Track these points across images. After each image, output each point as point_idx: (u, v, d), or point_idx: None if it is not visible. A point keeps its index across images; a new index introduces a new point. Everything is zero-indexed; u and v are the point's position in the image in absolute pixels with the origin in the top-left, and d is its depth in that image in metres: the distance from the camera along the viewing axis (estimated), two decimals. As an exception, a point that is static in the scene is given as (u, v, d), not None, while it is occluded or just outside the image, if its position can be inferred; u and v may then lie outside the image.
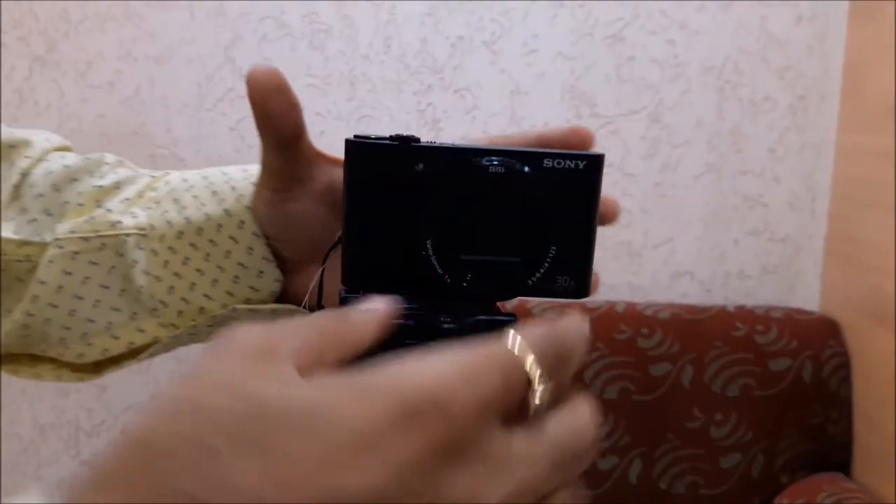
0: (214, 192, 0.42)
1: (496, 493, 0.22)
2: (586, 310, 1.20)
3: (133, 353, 0.45)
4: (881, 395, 1.11)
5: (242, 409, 0.21)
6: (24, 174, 0.43)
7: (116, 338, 0.43)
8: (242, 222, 0.41)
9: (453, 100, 1.27)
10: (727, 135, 1.28)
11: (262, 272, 0.41)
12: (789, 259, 1.31)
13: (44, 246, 0.42)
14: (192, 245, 0.41)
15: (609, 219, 0.37)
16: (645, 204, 1.29)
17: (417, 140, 0.34)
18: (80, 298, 0.42)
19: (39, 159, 0.44)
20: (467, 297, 0.35)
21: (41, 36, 1.26)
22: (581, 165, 0.35)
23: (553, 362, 0.25)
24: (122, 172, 0.45)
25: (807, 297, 1.31)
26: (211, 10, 1.25)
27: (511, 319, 0.34)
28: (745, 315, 1.20)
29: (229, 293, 0.42)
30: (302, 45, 1.26)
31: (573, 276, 0.37)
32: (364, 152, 0.34)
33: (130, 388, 1.33)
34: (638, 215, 1.29)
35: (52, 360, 0.46)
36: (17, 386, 1.34)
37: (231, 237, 0.41)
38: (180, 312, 0.43)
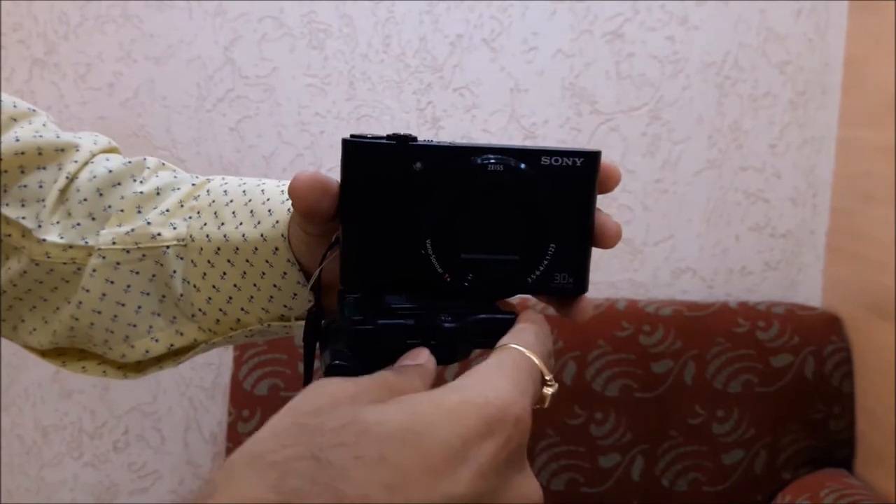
0: (252, 213, 0.43)
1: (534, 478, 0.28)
2: (580, 311, 1.20)
3: (173, 355, 0.47)
4: (883, 391, 1.10)
5: (358, 429, 0.24)
6: (71, 178, 0.44)
7: (157, 340, 0.46)
8: (277, 249, 0.41)
9: (453, 98, 1.27)
10: (727, 131, 1.28)
11: (295, 294, 0.42)
12: (791, 255, 1.30)
13: (87, 249, 0.44)
14: (229, 262, 0.43)
15: (611, 185, 0.37)
16: (646, 201, 1.29)
17: (414, 139, 0.34)
18: (122, 305, 0.44)
19: (86, 162, 0.46)
20: (467, 296, 0.35)
21: (40, 38, 1.26)
22: (578, 163, 0.35)
23: (549, 359, 0.31)
24: (164, 176, 0.46)
25: (809, 292, 1.30)
26: (210, 11, 1.25)
27: (511, 318, 0.34)
28: (746, 311, 1.20)
29: (265, 310, 0.43)
30: (301, 45, 1.26)
31: (571, 273, 0.36)
32: (361, 152, 0.34)
33: (132, 390, 1.33)
34: (639, 212, 1.29)
35: (99, 356, 0.48)
36: (20, 387, 1.35)
37: (266, 261, 0.42)
38: (218, 321, 0.45)
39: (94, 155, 0.46)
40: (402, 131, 0.34)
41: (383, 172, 0.34)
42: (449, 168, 0.34)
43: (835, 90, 1.26)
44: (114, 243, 0.44)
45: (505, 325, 0.34)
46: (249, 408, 1.16)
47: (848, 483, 1.08)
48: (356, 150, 0.34)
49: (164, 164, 0.48)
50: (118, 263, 0.44)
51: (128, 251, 0.44)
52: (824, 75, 1.26)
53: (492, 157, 0.34)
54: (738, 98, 1.27)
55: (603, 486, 1.16)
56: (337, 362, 0.33)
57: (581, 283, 0.37)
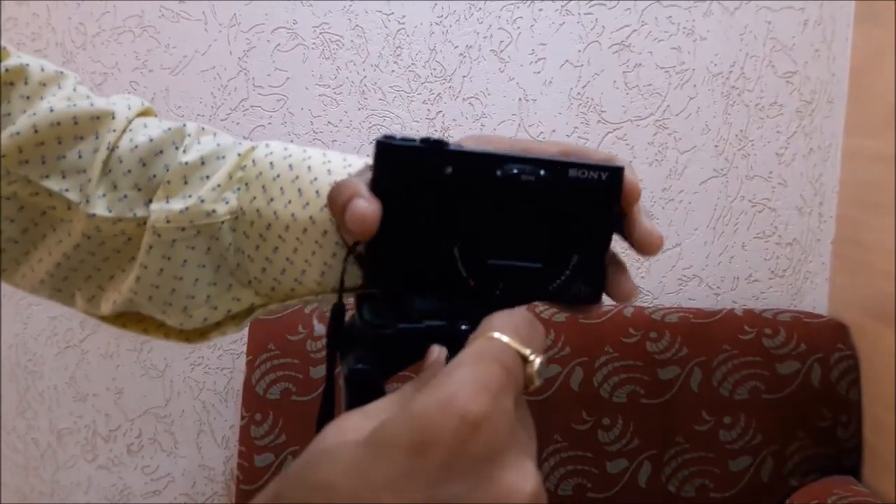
0: (300, 192, 0.42)
1: (530, 465, 0.25)
2: (595, 314, 1.21)
3: (233, 319, 0.47)
4: (890, 398, 1.11)
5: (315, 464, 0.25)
6: (112, 149, 0.44)
7: (216, 308, 0.46)
8: (326, 232, 0.41)
9: (462, 108, 1.29)
10: (734, 140, 1.29)
11: (345, 270, 0.41)
12: (797, 262, 1.31)
13: (136, 220, 0.44)
14: (280, 237, 0.43)
15: (631, 200, 0.37)
16: (653, 209, 1.30)
17: (447, 143, 0.34)
18: (180, 279, 0.44)
19: (124, 130, 0.45)
20: (490, 301, 0.34)
21: (58, 48, 1.29)
22: (604, 177, 0.35)
23: (528, 332, 0.28)
24: (206, 143, 0.45)
25: (815, 300, 1.31)
26: (224, 22, 1.27)
27: None
28: (753, 318, 1.21)
29: (317, 282, 0.43)
30: (314, 55, 1.28)
31: (588, 283, 0.37)
32: (393, 154, 0.34)
33: (147, 393, 1.35)
34: (646, 220, 1.30)
35: (159, 321, 0.48)
36: (35, 391, 1.37)
37: (316, 241, 0.42)
38: (273, 288, 0.45)
39: (129, 121, 0.45)
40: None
41: (414, 175, 0.34)
42: (481, 175, 0.34)
43: (841, 100, 1.27)
44: (168, 221, 0.43)
45: None
46: (262, 411, 1.18)
47: (855, 490, 1.09)
48: (389, 152, 0.34)
49: (203, 128, 0.47)
50: (174, 241, 0.43)
51: (183, 229, 0.43)
52: (830, 85, 1.27)
53: (525, 167, 0.34)
54: (744, 107, 1.28)
55: (610, 491, 1.17)
56: (359, 367, 0.33)
57: (597, 293, 0.38)
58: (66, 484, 1.38)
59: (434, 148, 0.34)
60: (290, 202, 0.42)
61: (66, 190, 0.43)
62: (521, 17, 1.27)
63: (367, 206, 0.34)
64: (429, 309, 0.34)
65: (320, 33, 1.28)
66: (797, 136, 1.29)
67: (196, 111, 1.29)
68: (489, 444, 0.24)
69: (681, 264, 1.32)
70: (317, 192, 0.42)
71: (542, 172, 0.34)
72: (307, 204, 0.42)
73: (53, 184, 0.43)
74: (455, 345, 0.34)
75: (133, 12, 1.28)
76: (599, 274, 0.37)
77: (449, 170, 0.34)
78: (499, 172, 0.34)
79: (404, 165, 0.34)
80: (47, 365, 1.36)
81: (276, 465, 1.17)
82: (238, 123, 1.29)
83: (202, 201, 0.43)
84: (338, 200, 0.35)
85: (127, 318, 0.49)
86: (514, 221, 0.35)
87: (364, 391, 0.34)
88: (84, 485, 1.38)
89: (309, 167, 0.43)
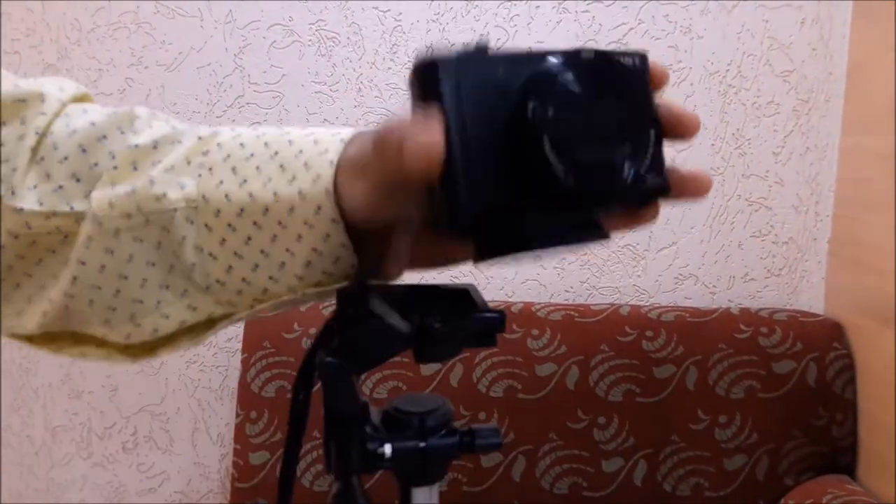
0: (282, 168, 0.37)
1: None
2: (590, 312, 1.21)
3: (189, 331, 0.41)
4: (886, 398, 1.11)
5: None
6: (43, 134, 0.38)
7: (166, 317, 0.39)
8: (319, 207, 0.36)
9: (459, 105, 1.29)
10: (730, 138, 1.29)
11: (338, 258, 0.37)
12: (793, 261, 1.31)
13: (75, 216, 0.37)
14: (255, 224, 0.37)
15: (661, 84, 0.35)
16: (649, 207, 1.30)
17: (488, 46, 0.32)
18: (125, 278, 0.38)
19: (56, 114, 0.39)
20: (589, 201, 0.32)
21: (53, 44, 1.29)
22: (638, 62, 0.35)
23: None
24: (159, 127, 0.40)
25: (811, 299, 1.31)
26: (220, 18, 1.27)
27: (498, 316, 0.35)
28: (749, 317, 1.21)
29: (299, 277, 0.37)
30: (310, 52, 1.28)
31: (658, 171, 0.35)
32: (451, 67, 0.31)
33: (142, 390, 1.35)
34: (642, 219, 1.30)
35: (98, 340, 0.42)
36: (30, 388, 1.36)
37: (305, 222, 0.36)
38: (240, 292, 0.38)
39: (64, 105, 0.40)
40: None
41: (482, 87, 0.32)
42: (543, 73, 0.32)
43: (838, 98, 1.27)
44: (111, 207, 0.37)
45: (492, 324, 0.35)
46: (257, 409, 1.17)
47: (851, 489, 1.09)
48: (446, 66, 0.31)
49: (155, 114, 0.41)
50: (118, 230, 0.37)
51: (129, 216, 0.37)
52: (827, 84, 1.27)
53: (594, 52, 0.32)
54: (741, 106, 1.28)
55: (606, 490, 1.17)
56: (329, 360, 0.34)
57: (667, 181, 0.35)
58: (60, 481, 1.38)
59: (483, 51, 0.32)
60: (269, 180, 0.37)
61: None
62: (517, 15, 1.27)
63: (429, 136, 0.30)
64: (540, 233, 0.32)
65: (316, 30, 1.27)
66: (794, 135, 1.29)
67: (191, 108, 1.29)
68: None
69: (677, 263, 1.32)
70: (305, 164, 0.36)
71: (613, 56, 0.33)
72: (293, 178, 0.36)
73: None
74: (427, 340, 0.34)
75: (128, 8, 1.27)
76: (663, 159, 0.35)
77: (501, 71, 0.32)
78: (577, 59, 0.32)
79: (463, 77, 0.31)
80: (42, 362, 1.35)
81: (272, 464, 1.17)
82: (234, 120, 1.29)
83: (152, 183, 0.37)
84: (390, 142, 0.31)
85: (62, 342, 0.42)
86: (595, 111, 0.32)
87: (334, 383, 0.34)
88: (79, 482, 1.38)
89: (290, 141, 0.38)
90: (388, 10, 1.26)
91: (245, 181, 0.37)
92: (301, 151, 0.37)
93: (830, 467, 1.17)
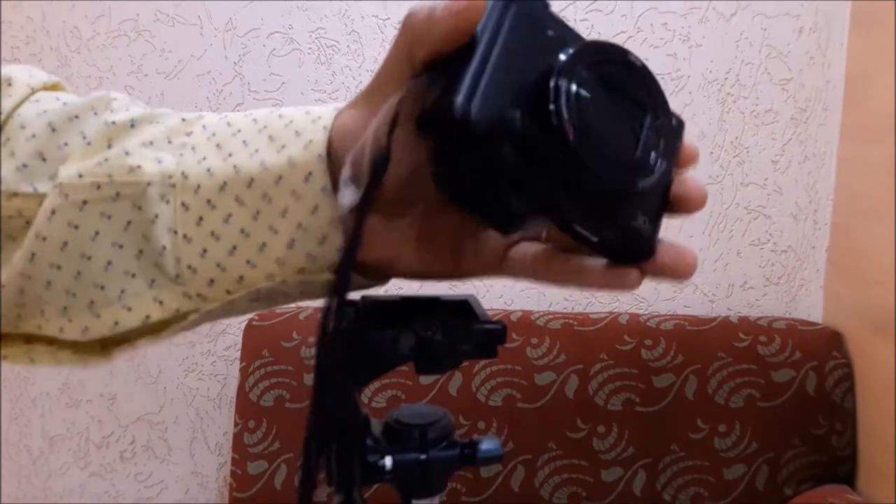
0: (271, 138, 0.34)
1: None
2: (590, 320, 1.21)
3: (152, 329, 0.37)
4: (885, 407, 1.11)
5: None
6: (9, 115, 0.36)
7: (129, 309, 0.35)
8: (310, 174, 0.33)
9: (458, 113, 1.29)
10: (729, 147, 1.29)
11: (324, 238, 0.34)
12: (792, 270, 1.31)
13: (38, 198, 0.35)
14: (237, 200, 0.34)
15: (689, 163, 0.33)
16: (648, 216, 1.30)
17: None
18: (88, 259, 0.35)
19: (25, 98, 0.37)
20: (586, 169, 0.29)
21: (53, 52, 1.29)
22: (676, 124, 0.34)
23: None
24: (137, 110, 0.37)
25: (810, 308, 1.31)
26: (220, 26, 1.27)
27: (499, 328, 0.35)
28: (748, 326, 1.21)
29: (280, 261, 0.34)
30: (309, 60, 1.28)
31: (651, 219, 0.33)
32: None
33: (140, 399, 1.35)
34: (641, 227, 1.30)
35: (50, 341, 0.38)
36: (28, 397, 1.36)
37: (293, 192, 0.33)
38: (212, 281, 0.35)
39: (33, 90, 0.38)
40: None
41: (529, 28, 0.29)
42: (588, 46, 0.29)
43: (836, 107, 1.28)
44: (80, 176, 0.34)
45: (493, 335, 0.35)
46: (255, 419, 1.17)
47: (850, 499, 1.09)
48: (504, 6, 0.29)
49: (135, 100, 0.39)
50: (85, 203, 0.34)
51: (98, 186, 0.34)
52: (825, 92, 1.28)
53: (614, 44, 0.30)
54: (739, 114, 1.28)
55: (605, 499, 1.16)
56: (330, 374, 0.33)
57: (654, 240, 0.33)
58: (58, 491, 1.38)
59: (545, 4, 0.30)
60: (257, 150, 0.34)
61: None
62: (516, 24, 1.27)
63: None
64: (578, 216, 0.30)
65: (316, 38, 1.27)
66: (792, 144, 1.29)
67: (191, 116, 1.29)
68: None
69: (676, 271, 1.31)
70: (296, 132, 0.34)
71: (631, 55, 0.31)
72: (283, 146, 0.34)
73: None
74: (426, 351, 0.34)
75: (128, 16, 1.27)
76: (659, 218, 0.33)
77: (550, 33, 0.30)
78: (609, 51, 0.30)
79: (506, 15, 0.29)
80: (40, 371, 1.35)
81: (270, 473, 1.17)
82: (233, 129, 1.29)
83: (126, 154, 0.34)
84: (418, 15, 0.28)
85: (11, 346, 0.38)
86: (614, 96, 0.30)
87: (335, 397, 0.34)
88: (77, 492, 1.37)
89: (280, 115, 0.36)
90: (388, 19, 1.27)
91: (230, 155, 0.34)
92: (292, 122, 0.35)
93: (830, 477, 1.17)
